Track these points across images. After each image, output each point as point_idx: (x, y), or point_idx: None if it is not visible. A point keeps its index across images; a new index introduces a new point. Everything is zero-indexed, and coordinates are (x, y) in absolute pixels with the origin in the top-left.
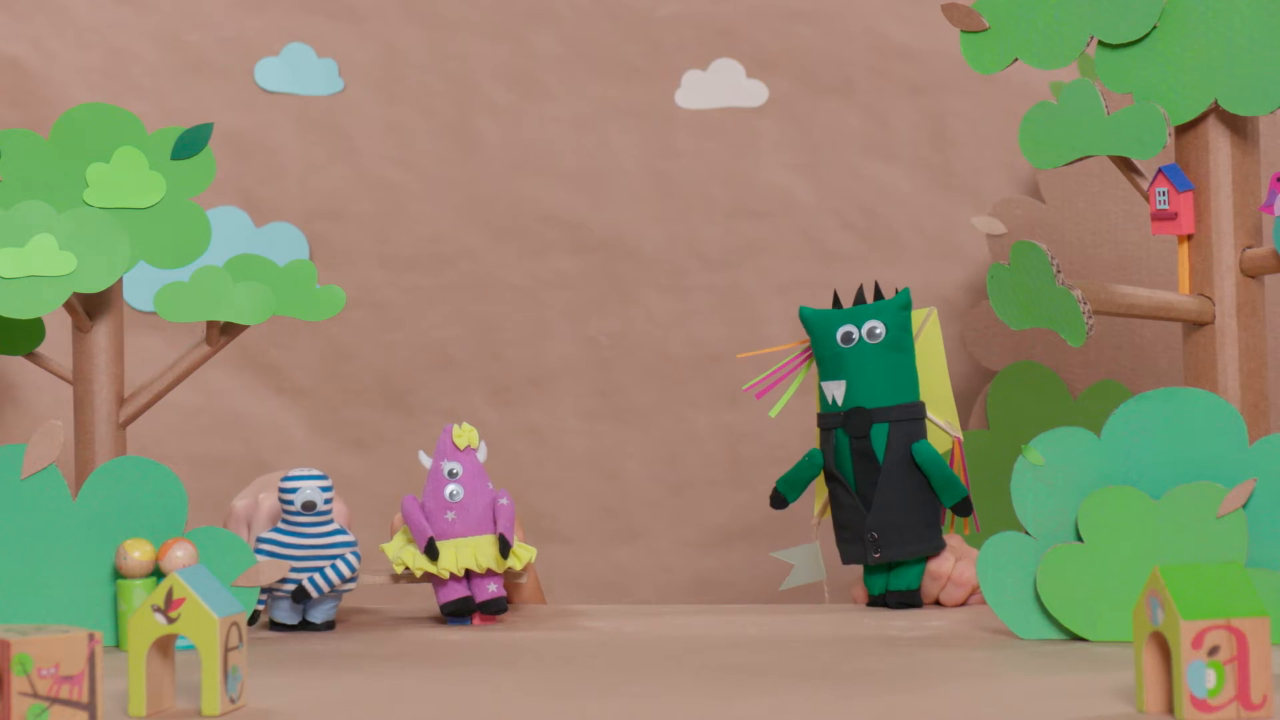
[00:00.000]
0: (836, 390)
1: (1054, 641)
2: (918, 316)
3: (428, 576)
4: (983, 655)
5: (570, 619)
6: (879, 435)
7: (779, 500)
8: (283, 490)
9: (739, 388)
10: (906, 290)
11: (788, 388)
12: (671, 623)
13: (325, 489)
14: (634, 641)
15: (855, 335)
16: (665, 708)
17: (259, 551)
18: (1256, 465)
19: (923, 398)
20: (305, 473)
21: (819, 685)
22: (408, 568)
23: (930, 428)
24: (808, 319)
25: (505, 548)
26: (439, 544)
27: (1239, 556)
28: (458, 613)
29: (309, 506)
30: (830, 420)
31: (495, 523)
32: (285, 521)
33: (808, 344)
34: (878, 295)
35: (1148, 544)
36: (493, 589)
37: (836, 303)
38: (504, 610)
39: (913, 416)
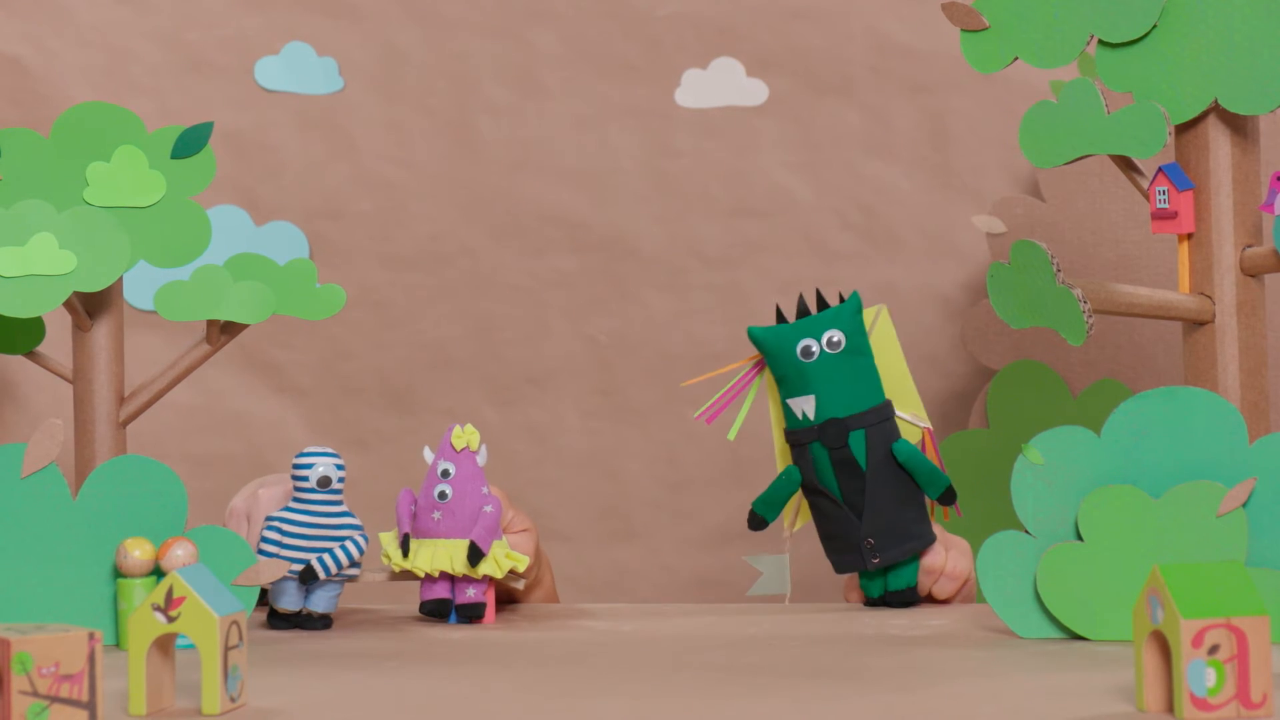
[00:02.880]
0: (806, 405)
1: (1054, 640)
2: (868, 316)
3: (409, 574)
4: (983, 654)
5: (569, 618)
6: (857, 442)
7: (757, 521)
8: (297, 467)
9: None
10: (856, 294)
11: (740, 407)
12: (671, 622)
13: (339, 466)
14: (633, 641)
15: (816, 348)
16: (664, 707)
17: (270, 530)
18: (1256, 464)
19: (887, 395)
20: (319, 449)
21: (819, 684)
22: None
23: (899, 423)
24: (760, 339)
25: (475, 555)
26: (418, 541)
27: (1239, 555)
28: (434, 613)
29: (324, 482)
30: (803, 436)
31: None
32: (297, 499)
33: (756, 360)
34: (820, 304)
35: (1148, 543)
36: (471, 594)
37: (781, 318)
38: (479, 617)
39: (884, 418)
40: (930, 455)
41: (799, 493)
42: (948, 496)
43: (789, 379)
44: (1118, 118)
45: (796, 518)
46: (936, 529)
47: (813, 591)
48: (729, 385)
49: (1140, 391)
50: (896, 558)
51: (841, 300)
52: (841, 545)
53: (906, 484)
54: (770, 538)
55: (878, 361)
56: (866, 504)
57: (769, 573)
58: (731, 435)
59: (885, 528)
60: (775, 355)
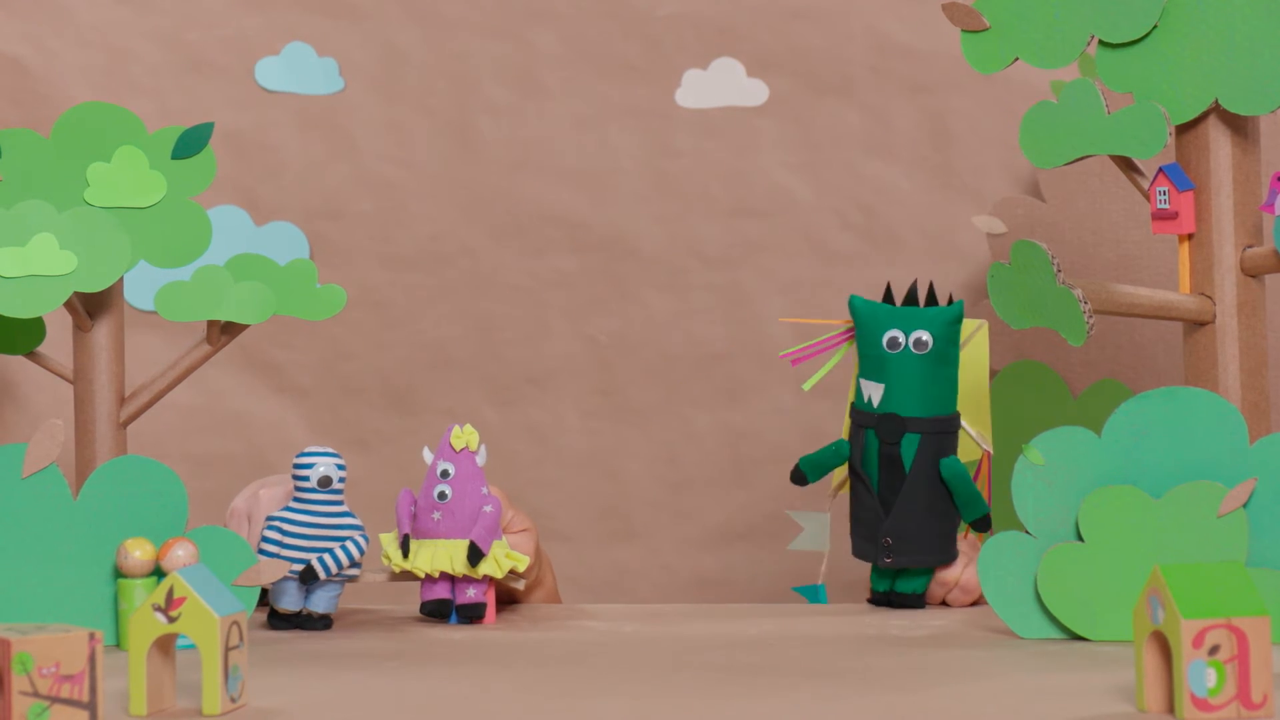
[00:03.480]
0: (874, 391)
1: (1054, 641)
2: (967, 327)
3: (409, 574)
4: (983, 655)
5: (569, 619)
6: (909, 445)
7: (799, 477)
8: (297, 467)
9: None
10: (960, 304)
11: (825, 364)
12: (671, 622)
13: (340, 466)
14: (634, 641)
15: (902, 342)
16: (665, 708)
17: (270, 529)
18: (1257, 464)
19: (960, 408)
20: (320, 449)
21: (819, 685)
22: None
23: (962, 439)
24: (857, 310)
25: (475, 555)
26: (418, 542)
27: (1239, 556)
28: (435, 613)
29: (325, 482)
30: (863, 418)
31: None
32: (298, 499)
33: (850, 326)
34: (930, 298)
35: (1148, 543)
36: (472, 594)
37: (888, 296)
38: (480, 617)
39: (945, 430)
40: (983, 478)
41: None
42: (982, 524)
43: (868, 360)
44: (1118, 118)
45: (844, 484)
46: (969, 539)
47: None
48: (821, 338)
49: (1141, 392)
50: (908, 564)
51: (950, 302)
52: (864, 532)
53: (943, 499)
54: (774, 537)
55: (963, 375)
56: (897, 504)
57: (809, 529)
58: (807, 386)
59: (907, 533)
60: (864, 332)
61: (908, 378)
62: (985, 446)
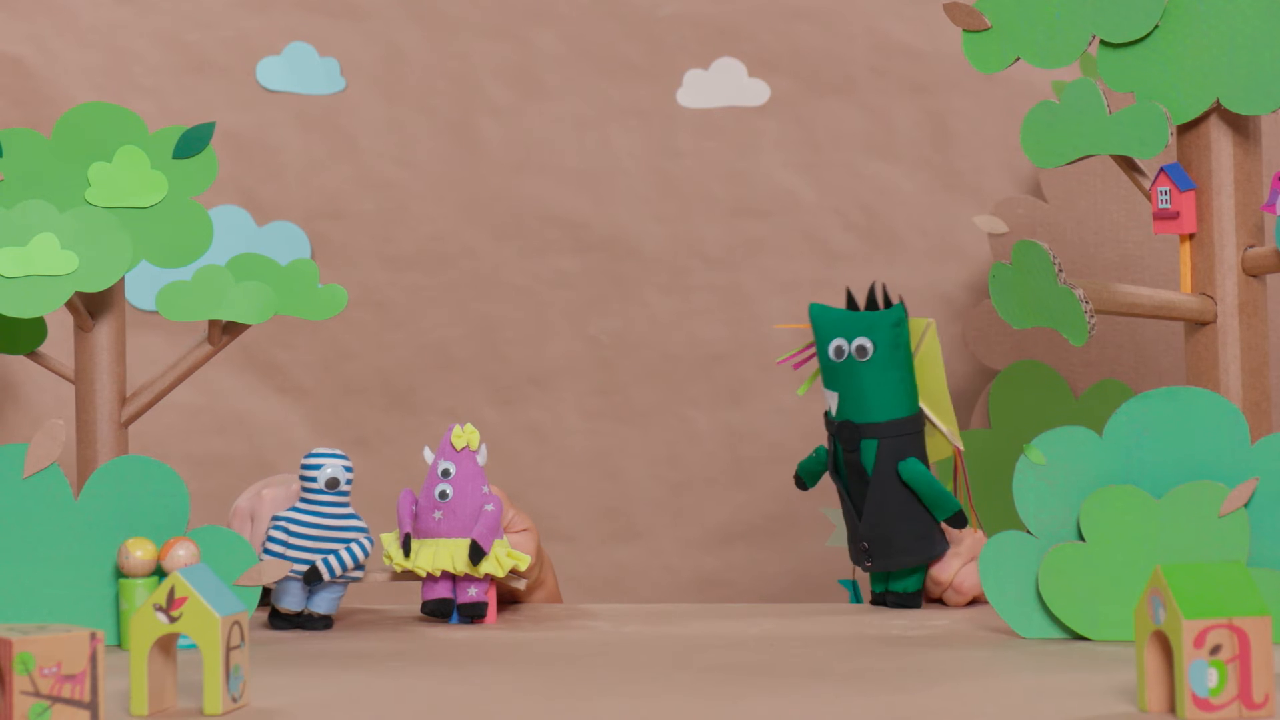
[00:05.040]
0: (831, 400)
1: (1055, 641)
2: (916, 328)
3: (410, 574)
4: (984, 654)
5: (571, 618)
6: (868, 450)
7: (799, 482)
8: (305, 467)
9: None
10: (900, 305)
11: (814, 369)
12: (672, 622)
13: (347, 468)
14: (635, 641)
15: (845, 351)
16: (666, 708)
17: (276, 529)
18: (1258, 464)
19: (926, 407)
20: (328, 450)
21: (820, 685)
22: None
23: (932, 436)
24: (813, 319)
25: (477, 554)
26: (419, 541)
27: (1241, 556)
28: (436, 613)
29: (332, 484)
30: (827, 426)
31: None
32: (305, 500)
33: None
34: (886, 299)
35: (1149, 543)
36: (473, 593)
37: (851, 303)
38: (481, 616)
39: (901, 432)
40: (959, 475)
41: None
42: (957, 521)
43: (823, 368)
44: (1119, 118)
45: None
46: (976, 536)
47: (813, 591)
48: (808, 343)
49: (1142, 392)
50: (888, 567)
51: (888, 304)
52: (850, 537)
53: (912, 500)
54: (774, 537)
55: (920, 375)
56: (866, 510)
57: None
58: (800, 391)
59: (880, 537)
60: (818, 340)
61: (856, 385)
62: (956, 443)
